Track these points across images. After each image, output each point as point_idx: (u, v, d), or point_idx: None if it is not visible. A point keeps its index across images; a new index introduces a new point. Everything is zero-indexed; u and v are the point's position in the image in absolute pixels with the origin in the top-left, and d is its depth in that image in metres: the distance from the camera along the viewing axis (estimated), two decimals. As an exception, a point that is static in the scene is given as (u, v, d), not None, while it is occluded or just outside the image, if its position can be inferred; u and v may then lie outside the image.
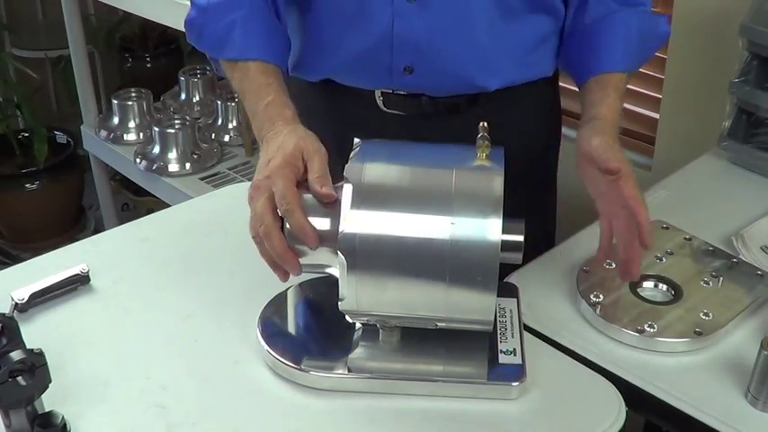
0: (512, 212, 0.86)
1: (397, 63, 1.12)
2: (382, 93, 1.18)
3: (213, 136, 2.45)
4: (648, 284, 1.06)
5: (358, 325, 0.97)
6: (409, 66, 1.12)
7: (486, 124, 0.90)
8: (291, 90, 1.07)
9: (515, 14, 1.12)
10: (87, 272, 1.08)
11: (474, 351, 0.94)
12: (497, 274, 0.85)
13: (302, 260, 0.92)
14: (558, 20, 1.18)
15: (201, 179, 2.28)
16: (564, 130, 1.36)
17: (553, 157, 1.33)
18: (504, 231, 0.85)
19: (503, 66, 1.15)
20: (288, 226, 0.89)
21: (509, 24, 1.12)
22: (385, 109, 1.19)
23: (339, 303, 0.89)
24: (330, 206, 0.89)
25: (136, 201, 2.68)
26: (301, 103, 1.05)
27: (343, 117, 1.21)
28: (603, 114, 1.06)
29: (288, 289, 1.04)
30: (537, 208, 1.27)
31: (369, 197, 0.87)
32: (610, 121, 1.05)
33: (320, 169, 0.91)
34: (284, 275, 0.94)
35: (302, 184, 0.91)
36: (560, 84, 1.30)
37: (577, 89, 1.15)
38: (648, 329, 0.98)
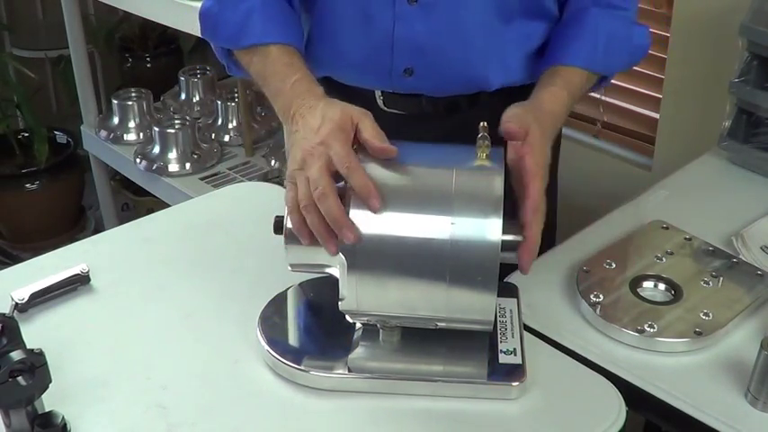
0: (512, 214, 0.86)
1: (397, 65, 1.12)
2: (382, 92, 1.18)
3: (213, 136, 2.45)
4: (648, 284, 1.06)
5: (358, 325, 0.97)
6: (409, 68, 1.12)
7: (485, 124, 0.90)
8: None
9: (513, 18, 1.12)
10: (87, 272, 1.08)
11: (474, 351, 0.94)
12: (497, 274, 0.85)
13: (302, 260, 0.92)
14: (553, 23, 1.17)
15: (201, 179, 2.28)
16: (571, 132, 1.36)
17: (553, 156, 1.33)
18: (504, 231, 0.85)
19: (502, 68, 1.15)
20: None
21: (507, 27, 1.12)
22: (385, 108, 1.19)
23: (339, 303, 0.89)
24: (390, 164, 0.87)
25: (136, 201, 2.68)
26: None
27: None
28: (538, 98, 1.04)
29: (288, 289, 1.04)
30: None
31: (369, 197, 0.87)
32: (546, 110, 1.01)
33: (373, 127, 0.89)
34: (335, 245, 0.87)
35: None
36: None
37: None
38: (648, 329, 0.98)
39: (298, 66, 1.04)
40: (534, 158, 0.92)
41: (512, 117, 0.94)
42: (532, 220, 0.89)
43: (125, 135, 2.48)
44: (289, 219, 0.90)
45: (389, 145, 0.88)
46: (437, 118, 1.18)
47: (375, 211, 0.85)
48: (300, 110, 0.96)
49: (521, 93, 1.17)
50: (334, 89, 1.20)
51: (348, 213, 0.86)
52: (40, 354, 0.83)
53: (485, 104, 1.17)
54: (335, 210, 0.85)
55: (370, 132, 0.89)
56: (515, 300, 1.02)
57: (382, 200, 0.86)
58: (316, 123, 0.91)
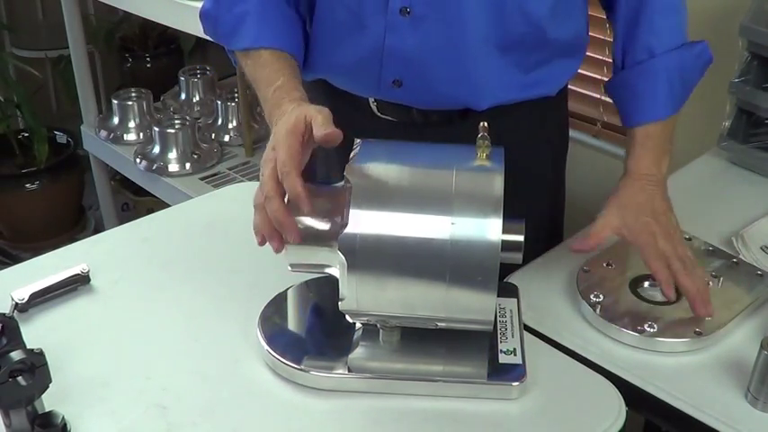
0: (512, 213, 0.86)
1: (385, 76, 1.12)
2: (375, 99, 1.18)
3: (213, 136, 2.45)
4: (648, 284, 1.06)
5: (358, 325, 0.97)
6: (398, 79, 1.12)
7: (485, 124, 0.90)
8: None
9: (511, 48, 1.10)
10: (87, 272, 1.08)
11: (474, 351, 0.94)
12: (497, 273, 0.85)
13: (302, 260, 0.92)
14: (559, 47, 1.15)
15: (201, 179, 2.28)
16: (571, 133, 1.35)
17: (557, 164, 1.32)
18: (504, 231, 0.85)
19: (494, 88, 1.13)
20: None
21: (503, 54, 1.11)
22: (379, 114, 1.19)
23: (339, 303, 0.89)
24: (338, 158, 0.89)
25: (136, 201, 2.68)
26: None
27: (338, 116, 1.21)
28: (629, 169, 1.11)
29: (288, 289, 1.04)
30: (539, 216, 1.25)
31: (369, 197, 0.87)
32: (633, 176, 1.10)
33: (323, 119, 0.90)
34: (280, 244, 0.91)
35: (311, 185, 0.90)
36: (569, 86, 1.29)
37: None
38: (648, 329, 0.98)
39: (284, 72, 1.04)
40: (636, 242, 1.05)
41: (596, 229, 1.06)
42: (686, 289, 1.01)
43: (125, 135, 2.48)
44: None
45: (333, 129, 0.89)
46: (429, 128, 1.18)
47: (305, 214, 0.89)
48: (276, 117, 0.98)
49: (517, 110, 1.16)
50: (330, 93, 1.20)
51: (348, 213, 0.86)
52: (40, 354, 0.83)
53: (476, 120, 1.16)
54: (279, 212, 0.89)
55: (319, 123, 0.90)
56: (515, 300, 1.02)
57: (383, 200, 0.86)
58: (275, 129, 0.94)
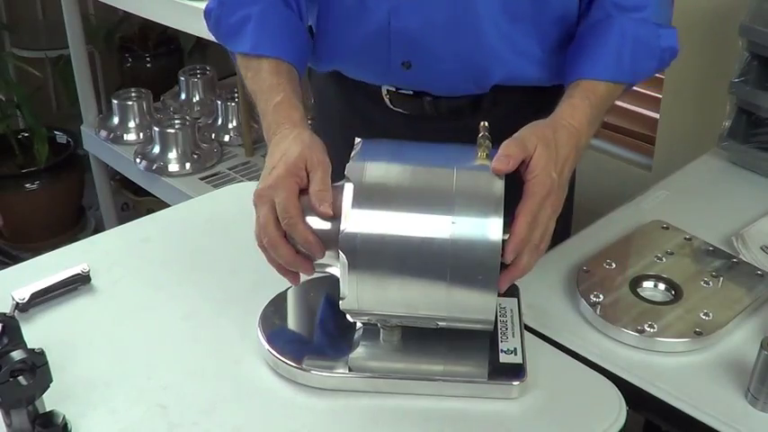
0: (513, 213, 0.86)
1: (394, 58, 1.12)
2: (388, 90, 1.18)
3: (213, 136, 2.45)
4: (648, 284, 1.06)
5: (359, 324, 0.97)
6: (407, 61, 1.12)
7: (486, 124, 0.90)
8: (309, 77, 1.06)
9: (521, 18, 1.10)
10: (88, 272, 1.08)
11: (475, 350, 0.94)
12: (498, 273, 0.85)
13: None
14: (569, 25, 1.14)
15: (201, 179, 2.28)
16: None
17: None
18: (505, 231, 0.85)
19: (501, 61, 1.13)
20: None
21: (513, 26, 1.11)
22: (391, 107, 1.19)
23: (340, 303, 0.89)
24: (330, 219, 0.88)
25: (136, 201, 2.68)
26: (315, 89, 1.05)
27: (351, 108, 1.21)
28: (557, 113, 1.00)
29: (288, 288, 1.04)
30: None
31: (370, 196, 0.87)
32: (559, 125, 0.97)
33: (321, 182, 0.89)
34: (296, 279, 0.93)
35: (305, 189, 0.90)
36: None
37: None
38: (648, 329, 0.98)
39: (284, 87, 1.02)
40: (533, 187, 0.89)
41: (513, 141, 0.91)
42: (517, 260, 0.88)
43: (125, 135, 2.48)
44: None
45: (329, 209, 0.87)
46: (440, 120, 1.18)
47: (319, 258, 0.89)
48: (274, 138, 0.97)
49: (527, 100, 1.17)
50: (344, 87, 1.20)
51: (349, 212, 0.86)
52: (41, 353, 0.83)
53: (488, 111, 1.16)
54: (287, 256, 0.89)
55: (317, 187, 0.89)
56: (516, 299, 1.02)
57: (383, 199, 0.86)
58: (273, 161, 0.92)
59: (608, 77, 1.06)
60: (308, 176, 0.90)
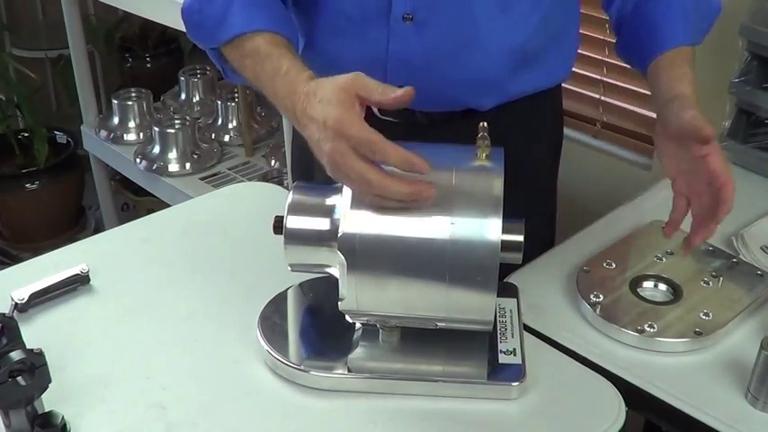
0: (512, 214, 0.86)
1: (390, 82, 1.11)
2: None
3: (213, 136, 2.45)
4: (648, 284, 1.06)
5: (358, 325, 0.97)
6: (402, 86, 1.11)
7: (485, 124, 0.90)
8: None
9: (518, 44, 1.10)
10: (87, 272, 1.08)
11: (474, 351, 0.94)
12: (497, 273, 0.85)
13: (302, 260, 0.92)
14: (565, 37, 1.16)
15: (201, 179, 2.28)
16: (571, 133, 1.35)
17: (553, 161, 1.32)
18: (504, 231, 0.85)
19: (497, 93, 1.14)
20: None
21: (510, 49, 1.11)
22: (380, 115, 1.19)
23: (339, 303, 0.89)
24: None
25: (136, 201, 2.68)
26: None
27: None
28: (684, 92, 1.03)
29: (288, 289, 1.04)
30: (539, 212, 1.26)
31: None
32: (693, 98, 1.02)
33: (376, 85, 0.84)
34: (424, 187, 0.83)
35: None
36: (569, 87, 1.29)
37: (644, 75, 1.12)
38: (648, 329, 0.98)
39: (284, 56, 0.97)
40: (721, 157, 0.96)
41: (698, 120, 0.97)
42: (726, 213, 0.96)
43: (125, 135, 2.48)
44: (288, 219, 0.89)
45: (424, 164, 0.82)
46: (432, 128, 1.17)
47: (425, 171, 0.82)
48: (299, 106, 0.89)
49: (518, 107, 1.16)
50: None
51: (348, 212, 0.86)
52: (40, 354, 0.83)
53: (478, 119, 1.16)
54: (404, 192, 0.83)
55: (376, 90, 0.84)
56: (515, 300, 1.02)
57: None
58: (320, 116, 0.85)
59: (687, 42, 1.09)
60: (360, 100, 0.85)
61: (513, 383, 0.91)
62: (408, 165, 0.82)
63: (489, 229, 0.84)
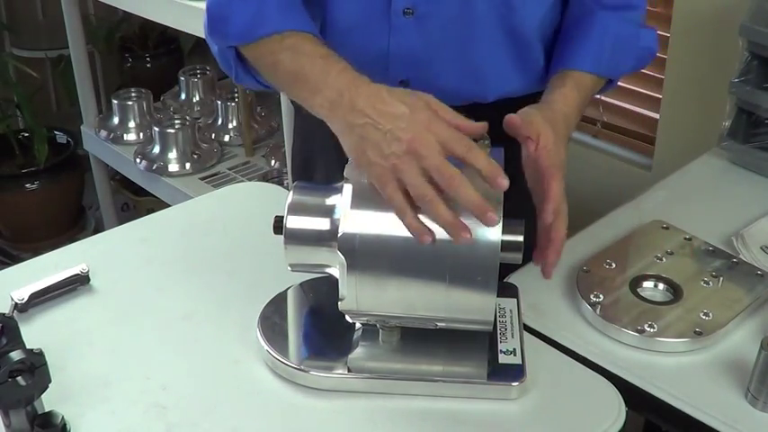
0: (512, 214, 0.86)
1: (392, 77, 1.11)
2: None
3: (213, 136, 2.45)
4: (648, 284, 1.06)
5: (358, 325, 0.97)
6: (405, 80, 1.12)
7: (485, 124, 0.90)
8: None
9: (521, 37, 1.11)
10: (87, 272, 1.08)
11: (474, 351, 0.94)
12: (497, 273, 0.85)
13: (302, 260, 0.92)
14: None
15: (201, 179, 2.28)
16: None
17: None
18: (504, 231, 0.84)
19: (500, 83, 1.14)
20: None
21: (511, 44, 1.11)
22: None
23: (339, 303, 0.89)
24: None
25: (136, 201, 2.68)
26: None
27: None
28: (549, 100, 1.03)
29: (288, 289, 1.04)
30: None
31: (369, 197, 0.87)
32: (557, 110, 1.00)
33: (452, 112, 0.86)
34: (468, 231, 0.82)
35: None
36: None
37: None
38: (648, 329, 0.98)
39: (337, 56, 0.97)
40: (550, 159, 0.93)
41: (521, 115, 0.95)
42: (556, 221, 0.91)
43: (125, 135, 2.48)
44: (288, 219, 0.89)
45: (504, 180, 0.82)
46: None
47: (504, 188, 0.82)
48: (361, 99, 0.89)
49: (520, 103, 1.17)
50: None
51: (348, 212, 0.86)
52: (40, 354, 0.83)
53: (483, 115, 1.16)
54: (473, 194, 0.81)
55: (453, 117, 0.86)
56: (515, 300, 1.02)
57: (382, 200, 0.85)
58: (400, 110, 0.86)
59: (590, 69, 1.09)
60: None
61: (513, 383, 0.91)
62: (495, 172, 0.82)
63: (489, 228, 0.84)
